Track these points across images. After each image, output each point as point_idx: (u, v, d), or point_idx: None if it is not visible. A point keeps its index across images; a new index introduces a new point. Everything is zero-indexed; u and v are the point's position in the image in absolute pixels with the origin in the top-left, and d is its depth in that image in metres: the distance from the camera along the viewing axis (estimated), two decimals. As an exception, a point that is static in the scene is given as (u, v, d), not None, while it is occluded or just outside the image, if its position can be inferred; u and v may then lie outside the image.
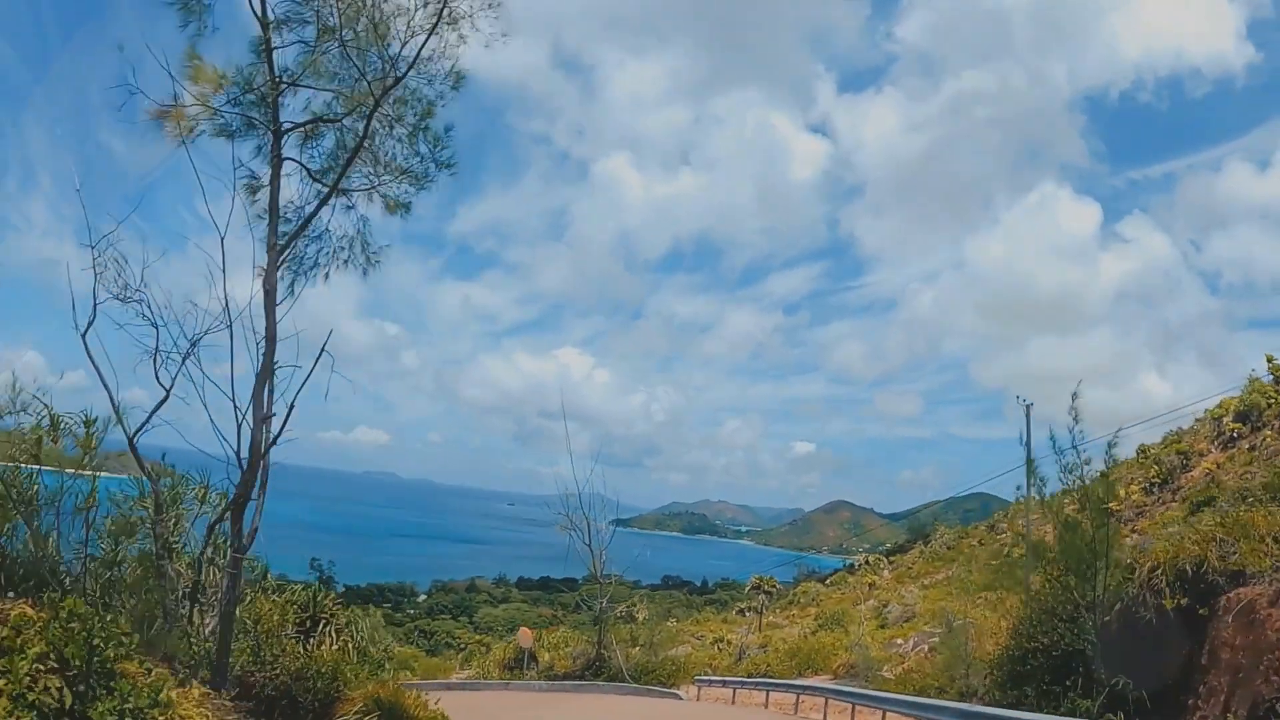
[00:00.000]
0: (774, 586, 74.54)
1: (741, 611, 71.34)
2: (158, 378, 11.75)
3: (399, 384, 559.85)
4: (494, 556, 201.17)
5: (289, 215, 13.46)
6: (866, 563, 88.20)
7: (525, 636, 44.40)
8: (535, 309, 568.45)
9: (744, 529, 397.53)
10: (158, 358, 11.76)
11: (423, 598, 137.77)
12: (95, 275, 11.33)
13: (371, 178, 13.82)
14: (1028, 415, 34.52)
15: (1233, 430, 41.35)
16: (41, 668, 7.91)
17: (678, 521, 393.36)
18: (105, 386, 11.49)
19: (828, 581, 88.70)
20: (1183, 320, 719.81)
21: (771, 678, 35.64)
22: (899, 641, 39.49)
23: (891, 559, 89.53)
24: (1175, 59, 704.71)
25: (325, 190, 13.25)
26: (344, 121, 13.43)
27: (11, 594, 9.91)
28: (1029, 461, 22.32)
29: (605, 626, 43.15)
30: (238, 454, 12.43)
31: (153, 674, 8.98)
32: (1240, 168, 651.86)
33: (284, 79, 12.64)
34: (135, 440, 11.97)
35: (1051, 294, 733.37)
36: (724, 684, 35.80)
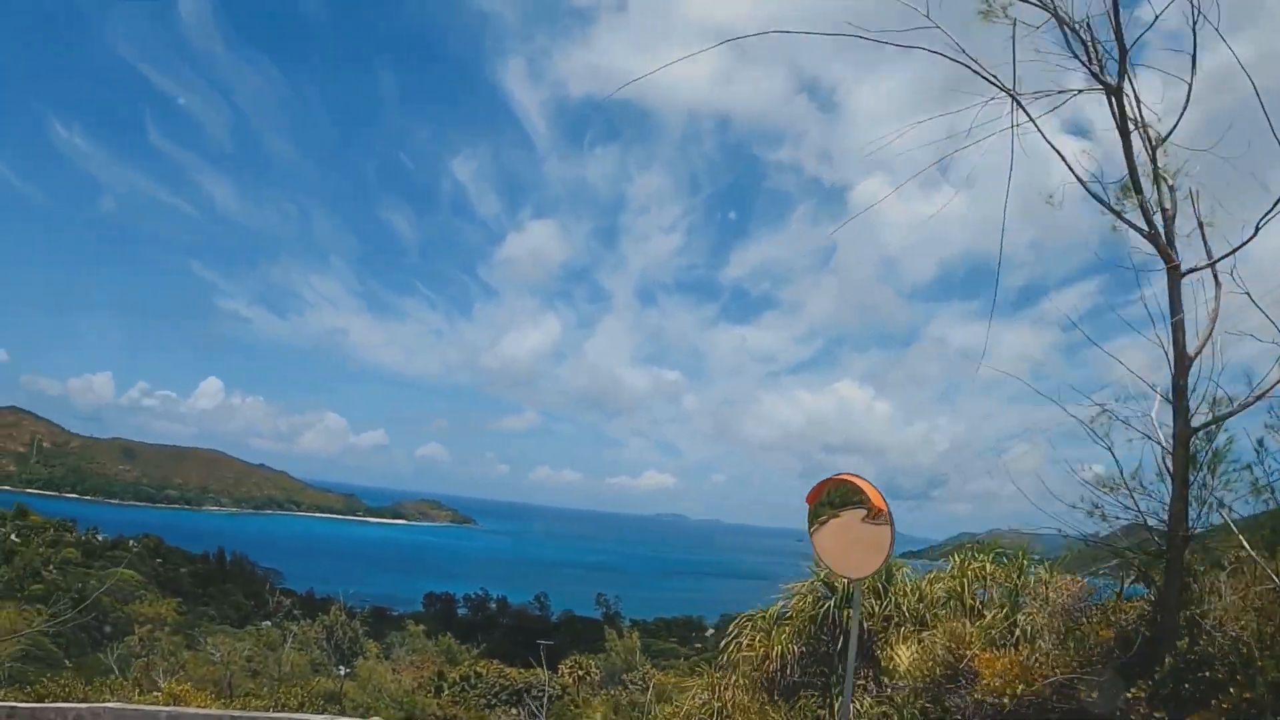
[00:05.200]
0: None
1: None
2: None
3: (681, 427, 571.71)
4: (779, 590, 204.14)
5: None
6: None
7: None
8: (810, 345, 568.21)
9: (1036, 557, 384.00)
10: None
11: (710, 631, 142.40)
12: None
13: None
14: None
15: None
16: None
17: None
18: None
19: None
20: None
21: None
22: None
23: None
24: None
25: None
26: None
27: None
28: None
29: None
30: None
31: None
32: None
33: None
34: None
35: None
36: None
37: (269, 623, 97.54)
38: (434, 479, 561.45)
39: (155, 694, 22.51)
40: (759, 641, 17.14)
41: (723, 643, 18.56)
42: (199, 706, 19.55)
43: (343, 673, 50.45)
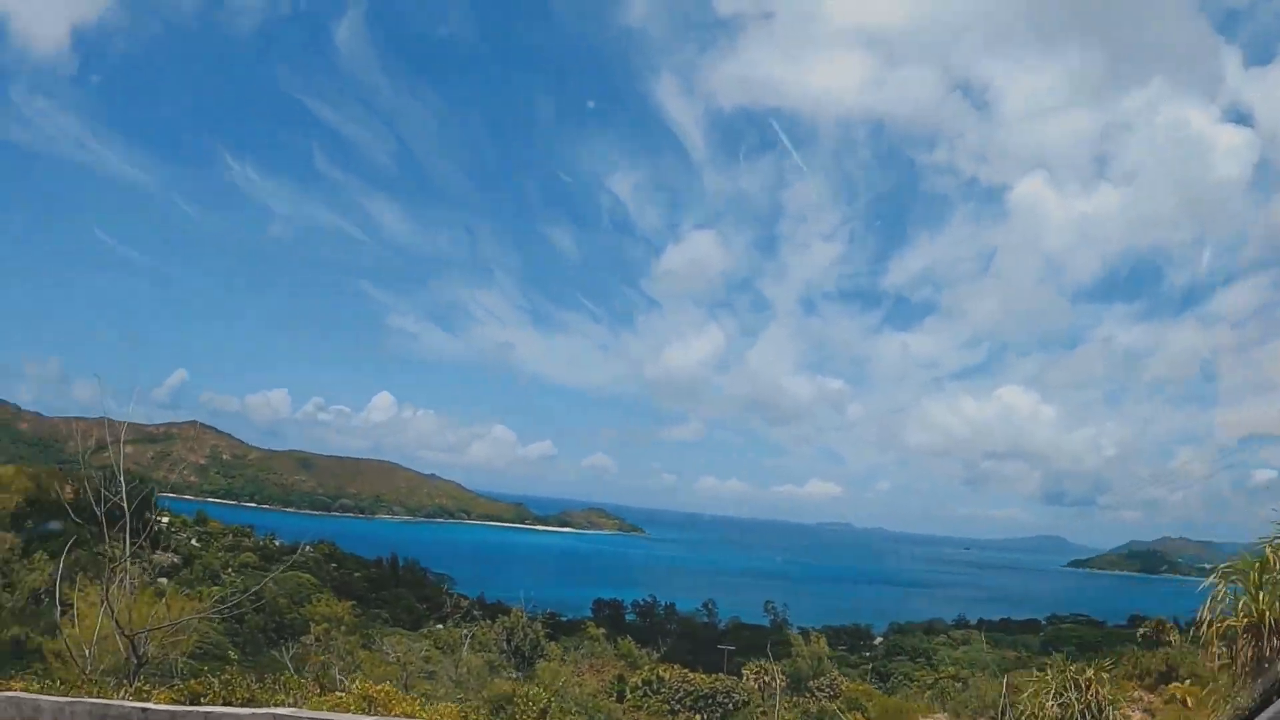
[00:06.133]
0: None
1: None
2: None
3: (845, 435, 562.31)
4: (949, 599, 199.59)
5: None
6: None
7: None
8: (972, 350, 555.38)
9: (1206, 566, 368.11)
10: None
11: (878, 640, 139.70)
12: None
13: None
14: None
15: None
16: None
17: (1135, 562, 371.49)
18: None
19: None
20: None
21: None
22: None
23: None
24: None
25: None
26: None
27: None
28: None
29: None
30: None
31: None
32: None
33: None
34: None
35: None
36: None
37: (441, 626, 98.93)
38: (601, 488, 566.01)
39: (339, 694, 22.08)
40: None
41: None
42: (402, 714, 19.33)
43: (515, 675, 50.33)
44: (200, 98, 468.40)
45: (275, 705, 18.39)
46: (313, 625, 71.01)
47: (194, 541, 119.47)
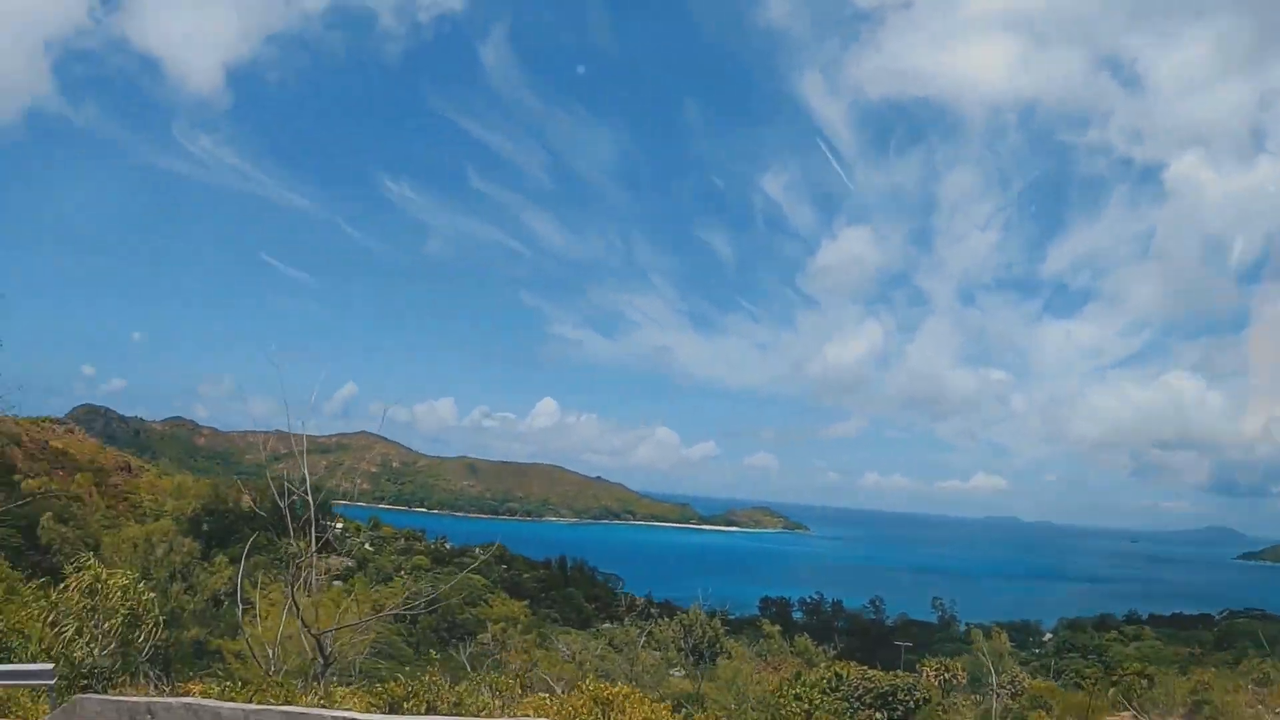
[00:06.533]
0: None
1: None
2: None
3: (1009, 428, 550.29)
4: (1118, 594, 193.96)
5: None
6: None
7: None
8: (1136, 336, 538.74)
9: None
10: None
11: (1048, 636, 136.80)
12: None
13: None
14: None
15: None
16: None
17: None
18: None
19: None
20: None
21: None
22: None
23: None
24: None
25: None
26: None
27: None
28: None
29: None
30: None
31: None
32: None
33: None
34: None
35: None
36: None
37: (610, 624, 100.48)
38: (764, 487, 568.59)
39: (557, 694, 22.25)
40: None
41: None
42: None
43: (679, 674, 50.91)
44: (354, 124, 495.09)
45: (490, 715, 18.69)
46: (489, 624, 72.83)
47: (367, 546, 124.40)
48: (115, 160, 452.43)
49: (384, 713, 17.41)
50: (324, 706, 16.71)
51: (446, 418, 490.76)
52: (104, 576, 24.05)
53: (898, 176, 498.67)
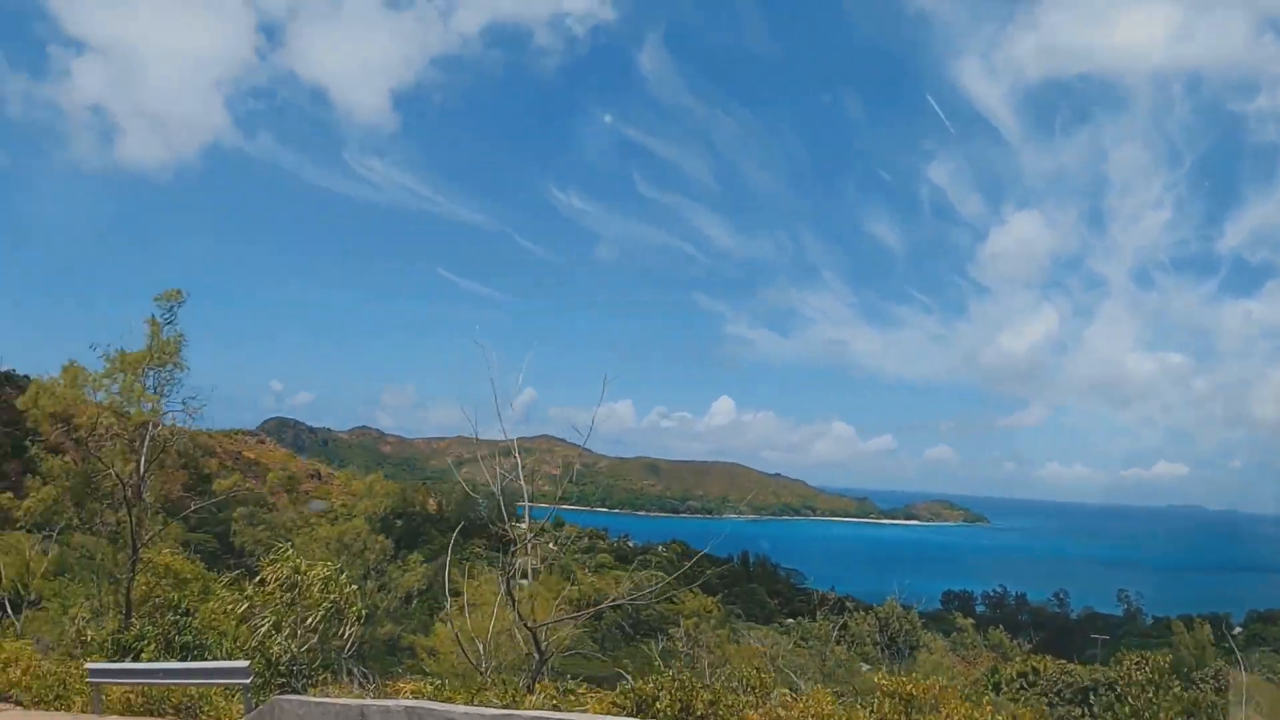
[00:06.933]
0: None
1: None
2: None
3: (1191, 413, 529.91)
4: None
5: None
6: None
7: None
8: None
9: None
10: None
11: (1238, 630, 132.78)
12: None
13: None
14: None
15: None
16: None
17: None
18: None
19: None
20: None
21: None
22: None
23: None
24: None
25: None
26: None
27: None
28: None
29: None
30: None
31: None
32: None
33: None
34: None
35: None
36: None
37: (792, 620, 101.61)
38: (944, 480, 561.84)
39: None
40: None
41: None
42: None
43: (866, 668, 51.60)
44: (518, 138, 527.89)
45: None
46: (681, 620, 74.52)
47: (551, 545, 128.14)
48: (291, 187, 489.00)
49: (630, 715, 15.85)
50: (568, 710, 15.71)
51: (626, 419, 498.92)
52: (303, 568, 23.59)
53: (1065, 157, 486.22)
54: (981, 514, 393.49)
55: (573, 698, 17.74)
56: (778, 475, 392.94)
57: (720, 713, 16.13)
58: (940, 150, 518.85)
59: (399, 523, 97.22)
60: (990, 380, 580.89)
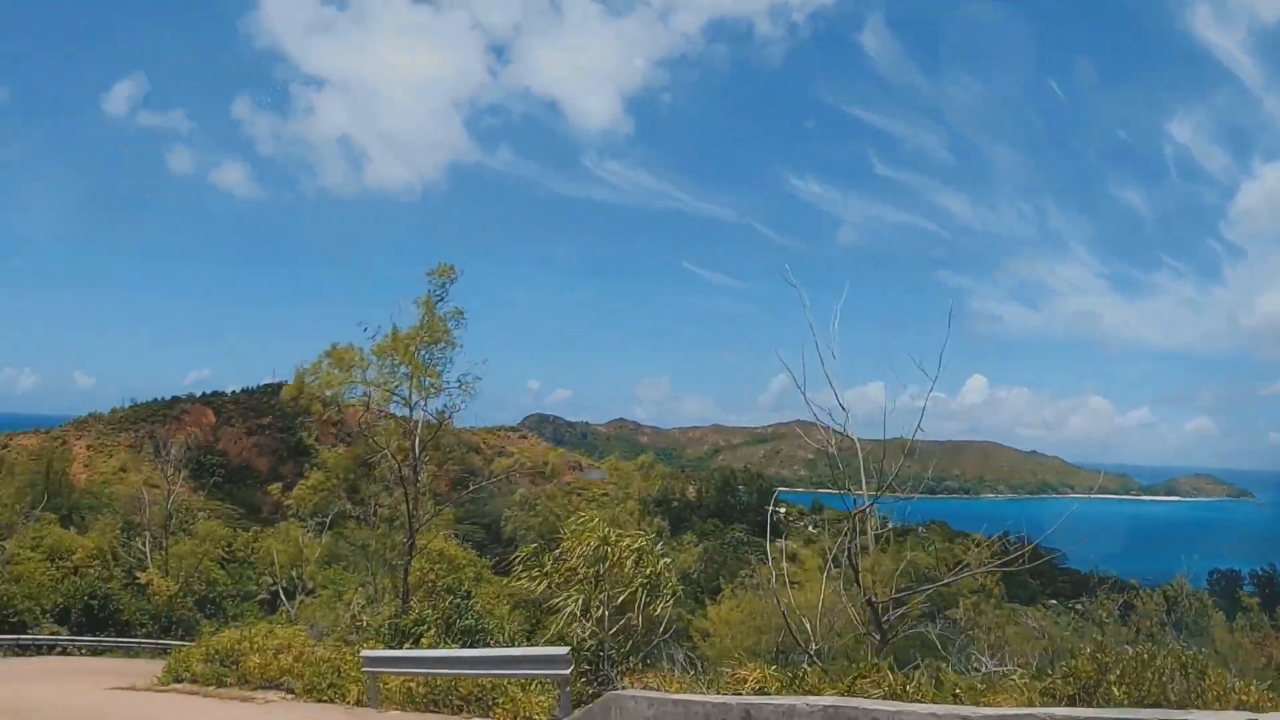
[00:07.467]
0: None
1: None
2: None
3: None
4: None
5: None
6: None
7: None
8: None
9: None
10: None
11: None
12: None
13: None
14: None
15: None
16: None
17: None
18: None
19: None
20: None
21: None
22: None
23: None
24: None
25: None
26: None
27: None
28: None
29: None
30: None
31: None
32: None
33: None
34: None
35: None
36: None
37: (1055, 601, 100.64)
38: (1205, 452, 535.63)
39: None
40: None
41: None
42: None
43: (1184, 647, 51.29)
44: (750, 129, 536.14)
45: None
46: (961, 600, 74.81)
47: (811, 529, 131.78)
48: (532, 195, 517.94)
49: (1067, 705, 11.48)
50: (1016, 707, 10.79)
51: (877, 401, 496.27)
52: (612, 538, 19.99)
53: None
54: (1246, 489, 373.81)
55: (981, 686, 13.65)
56: (1033, 453, 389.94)
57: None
58: (1180, 106, 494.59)
59: (673, 504, 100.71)
60: (1251, 346, 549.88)
